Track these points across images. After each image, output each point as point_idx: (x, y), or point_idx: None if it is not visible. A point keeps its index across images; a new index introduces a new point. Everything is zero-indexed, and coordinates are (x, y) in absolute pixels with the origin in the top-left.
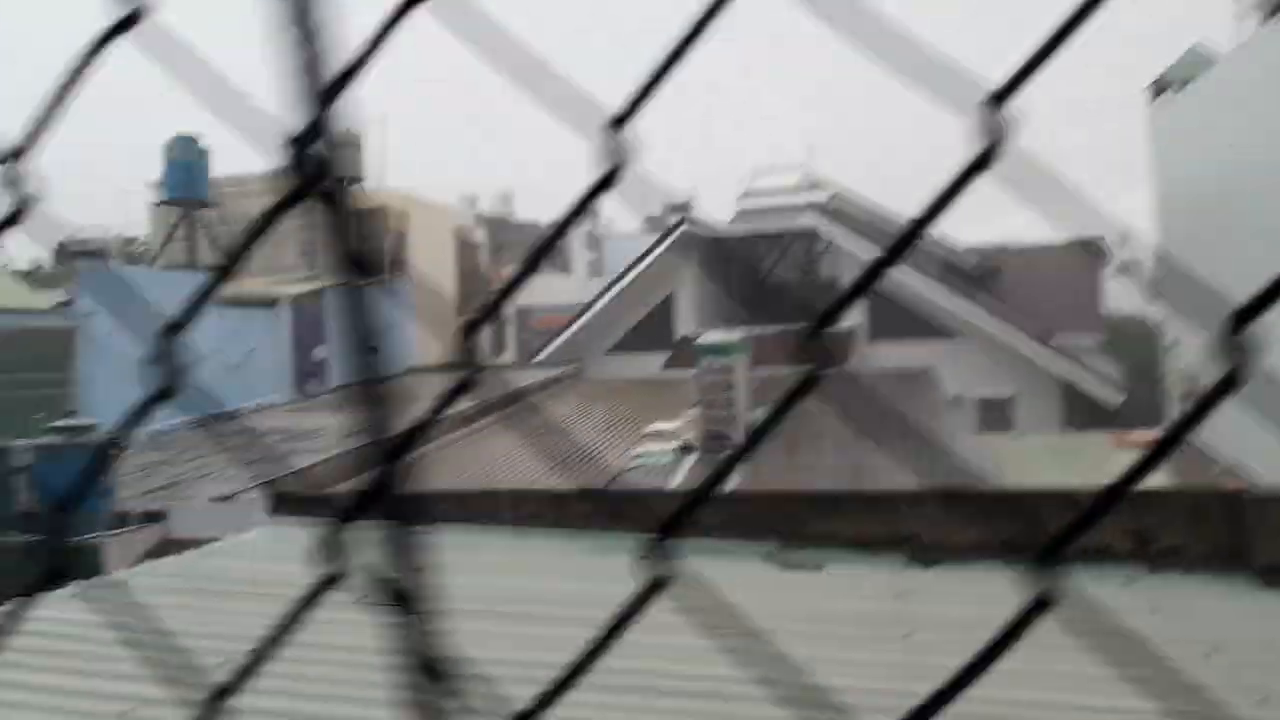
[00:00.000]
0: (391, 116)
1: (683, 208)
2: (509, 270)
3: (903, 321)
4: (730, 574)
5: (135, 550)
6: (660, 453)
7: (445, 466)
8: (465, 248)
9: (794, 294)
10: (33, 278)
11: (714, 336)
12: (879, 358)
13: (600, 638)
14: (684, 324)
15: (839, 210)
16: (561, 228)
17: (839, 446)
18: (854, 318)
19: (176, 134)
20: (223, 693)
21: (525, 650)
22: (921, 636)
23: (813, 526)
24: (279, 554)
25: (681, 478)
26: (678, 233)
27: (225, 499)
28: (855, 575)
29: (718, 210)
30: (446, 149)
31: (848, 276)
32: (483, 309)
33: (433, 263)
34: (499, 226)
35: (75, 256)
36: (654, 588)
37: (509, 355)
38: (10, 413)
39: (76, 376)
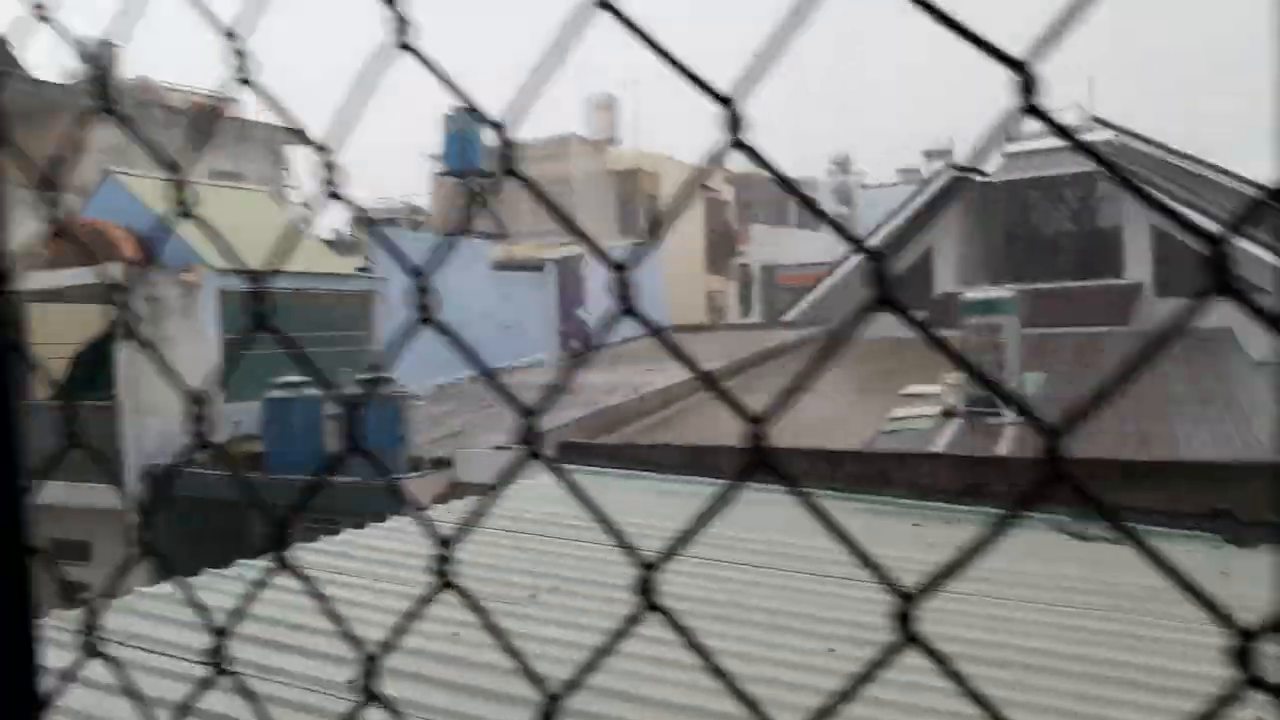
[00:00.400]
0: (642, 77)
1: (944, 154)
2: (756, 227)
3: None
4: (1017, 543)
5: (427, 493)
6: (919, 417)
7: (705, 421)
8: (713, 205)
9: (1071, 246)
10: (336, 245)
11: (980, 293)
12: (1167, 316)
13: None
14: (943, 280)
15: (1123, 152)
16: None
17: (1131, 412)
18: (1139, 272)
19: (455, 107)
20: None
21: (824, 607)
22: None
23: (1113, 497)
24: (564, 498)
25: (943, 445)
26: (940, 181)
27: (504, 448)
28: (1164, 552)
29: (982, 155)
30: (694, 106)
31: (1132, 225)
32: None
33: (683, 221)
34: (746, 183)
35: (370, 225)
36: None
37: (755, 314)
38: (320, 367)
39: (375, 335)
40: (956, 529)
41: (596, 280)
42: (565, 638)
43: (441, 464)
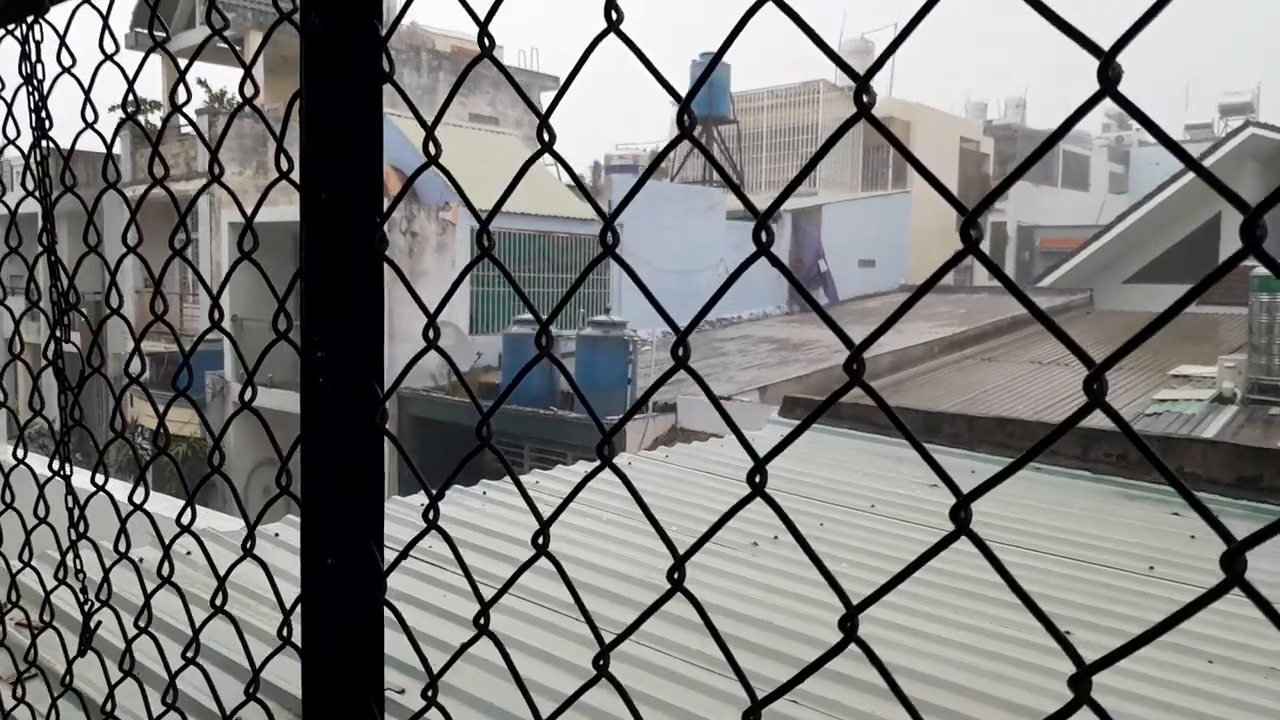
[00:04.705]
0: (900, 22)
1: (1244, 109)
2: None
3: None
4: None
5: (649, 435)
6: (1188, 400)
7: (942, 389)
8: (970, 158)
9: None
10: (576, 189)
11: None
12: None
13: None
14: (1231, 250)
15: None
16: None
17: None
18: None
19: (703, 53)
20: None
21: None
22: None
23: None
24: (790, 452)
25: (1213, 432)
26: (1237, 140)
27: (725, 398)
28: None
29: None
30: (957, 55)
31: None
32: None
33: (935, 174)
34: (1008, 136)
35: (610, 171)
36: None
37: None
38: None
39: (610, 279)
40: (1224, 523)
41: (835, 232)
42: (780, 585)
43: (666, 408)
